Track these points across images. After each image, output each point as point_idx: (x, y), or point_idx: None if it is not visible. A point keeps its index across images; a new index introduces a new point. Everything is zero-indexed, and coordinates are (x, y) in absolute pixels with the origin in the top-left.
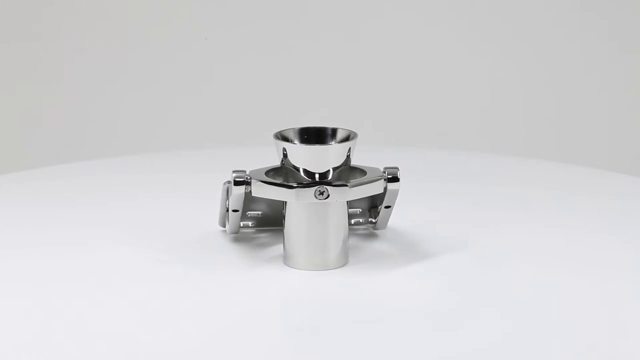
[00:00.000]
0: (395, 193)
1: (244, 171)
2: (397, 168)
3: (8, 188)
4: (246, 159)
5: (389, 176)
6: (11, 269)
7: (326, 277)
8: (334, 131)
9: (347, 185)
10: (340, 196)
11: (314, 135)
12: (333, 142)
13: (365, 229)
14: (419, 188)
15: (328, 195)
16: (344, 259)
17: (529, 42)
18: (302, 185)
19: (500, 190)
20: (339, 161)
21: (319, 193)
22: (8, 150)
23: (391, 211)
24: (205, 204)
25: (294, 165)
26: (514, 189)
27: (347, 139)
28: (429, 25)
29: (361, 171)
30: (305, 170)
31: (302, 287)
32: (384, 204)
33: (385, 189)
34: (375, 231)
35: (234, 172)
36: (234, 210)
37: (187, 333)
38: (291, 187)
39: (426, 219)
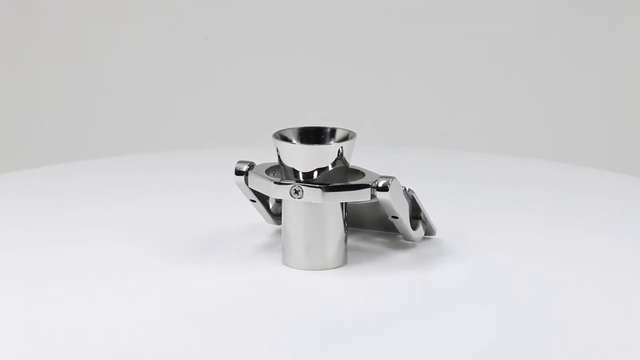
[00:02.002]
0: (388, 203)
1: (248, 162)
2: (390, 178)
3: (8, 188)
4: (246, 159)
5: (377, 185)
6: (11, 269)
7: (323, 277)
8: (333, 131)
9: (320, 188)
10: (313, 197)
11: (313, 135)
12: (323, 143)
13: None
14: (419, 188)
15: (303, 195)
16: (342, 259)
17: (529, 41)
18: (280, 182)
19: (500, 190)
20: (325, 162)
21: (294, 192)
22: (8, 150)
23: (404, 222)
24: (205, 204)
25: (284, 163)
26: (514, 189)
27: (336, 139)
28: (429, 25)
29: (361, 175)
30: (295, 169)
31: (298, 287)
32: (388, 214)
33: (375, 197)
34: (386, 236)
35: (238, 162)
36: (252, 201)
37: (186, 332)
38: (270, 182)
39: None
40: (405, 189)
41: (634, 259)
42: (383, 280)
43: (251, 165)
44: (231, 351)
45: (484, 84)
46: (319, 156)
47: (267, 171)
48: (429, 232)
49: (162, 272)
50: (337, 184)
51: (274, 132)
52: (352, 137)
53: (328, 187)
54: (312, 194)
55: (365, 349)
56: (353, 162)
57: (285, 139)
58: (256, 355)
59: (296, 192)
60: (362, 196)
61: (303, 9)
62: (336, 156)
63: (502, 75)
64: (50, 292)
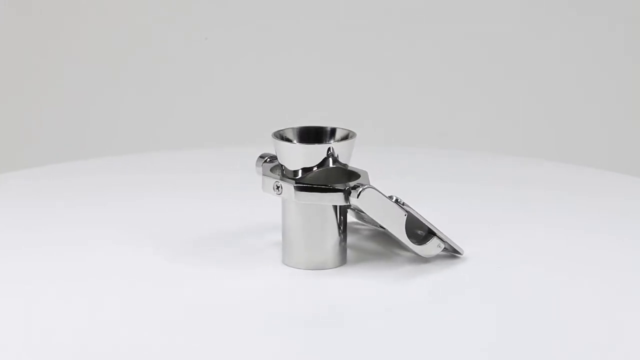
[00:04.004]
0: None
1: (269, 155)
2: (364, 185)
3: (8, 188)
4: (246, 159)
5: (349, 190)
6: (11, 269)
7: (322, 277)
8: (328, 131)
9: (294, 186)
10: (288, 195)
11: (311, 135)
12: (316, 142)
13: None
14: (419, 188)
15: (282, 191)
16: (341, 259)
17: (529, 41)
18: (268, 176)
19: (500, 190)
20: (314, 161)
21: (276, 187)
22: (8, 150)
23: (395, 235)
24: (205, 204)
25: (279, 162)
26: (514, 189)
27: (328, 139)
28: (429, 25)
29: (357, 177)
30: (291, 168)
31: (297, 286)
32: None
33: (351, 202)
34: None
35: (262, 154)
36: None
37: (186, 332)
38: (262, 175)
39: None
40: (398, 201)
41: (634, 259)
42: (382, 280)
43: (271, 159)
44: (231, 351)
45: (484, 84)
46: (307, 155)
47: (272, 169)
48: (454, 250)
49: (162, 272)
50: (310, 184)
51: (273, 131)
52: (348, 138)
53: (301, 187)
54: (288, 191)
55: (365, 349)
56: (353, 162)
57: (283, 137)
58: (256, 355)
59: (277, 187)
60: (335, 200)
61: (303, 9)
62: (325, 156)
63: (502, 75)
64: (50, 292)
